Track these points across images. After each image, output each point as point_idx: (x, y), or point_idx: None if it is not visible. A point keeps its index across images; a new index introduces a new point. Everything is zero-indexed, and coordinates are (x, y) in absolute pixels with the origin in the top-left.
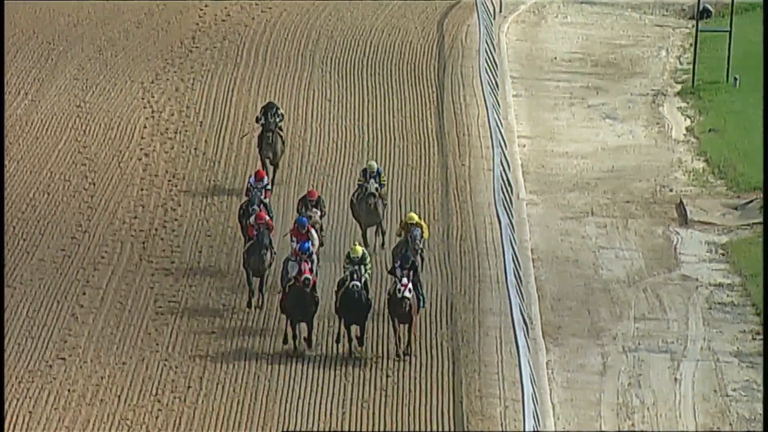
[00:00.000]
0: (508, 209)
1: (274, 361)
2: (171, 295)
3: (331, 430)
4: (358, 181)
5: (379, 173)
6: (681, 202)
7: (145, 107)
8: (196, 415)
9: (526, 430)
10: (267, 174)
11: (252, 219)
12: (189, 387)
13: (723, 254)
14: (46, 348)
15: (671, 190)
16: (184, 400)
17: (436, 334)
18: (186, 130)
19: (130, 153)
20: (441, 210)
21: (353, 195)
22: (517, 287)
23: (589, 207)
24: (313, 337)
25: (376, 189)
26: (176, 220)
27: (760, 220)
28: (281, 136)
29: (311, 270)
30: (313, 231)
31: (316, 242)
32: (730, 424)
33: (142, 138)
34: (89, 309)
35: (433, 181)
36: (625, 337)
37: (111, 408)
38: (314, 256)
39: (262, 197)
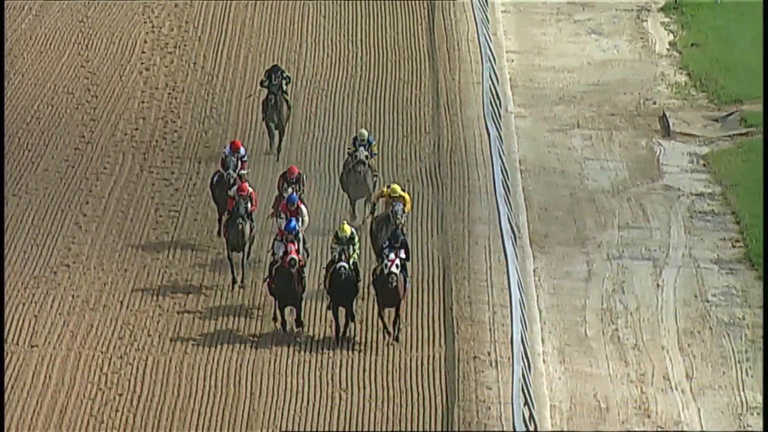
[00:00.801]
0: (496, 122)
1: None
2: (171, 205)
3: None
4: (348, 149)
5: (369, 142)
6: (664, 114)
7: (145, 22)
8: (195, 320)
9: (514, 337)
10: (272, 139)
11: (233, 191)
12: (189, 293)
13: (704, 165)
14: (51, 255)
15: (654, 103)
16: (185, 305)
17: (427, 243)
18: (185, 45)
19: (131, 67)
20: (432, 123)
21: (343, 165)
22: (506, 197)
23: (575, 120)
24: (303, 319)
25: (366, 157)
26: (176, 131)
27: (740, 131)
28: (287, 101)
29: (298, 251)
30: (303, 207)
31: (306, 219)
32: (710, 329)
33: (143, 52)
34: (92, 218)
35: (424, 95)
36: (610, 245)
37: (114, 313)
38: (300, 235)
39: (239, 169)
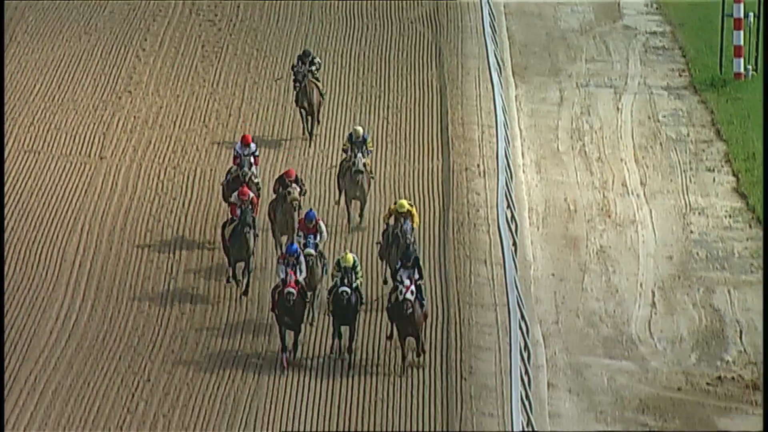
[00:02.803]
0: None
1: None
2: (215, 42)
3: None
4: (343, 146)
5: (365, 138)
6: None
7: None
8: (236, 138)
9: (499, 152)
10: (305, 124)
11: (234, 196)
12: (230, 116)
13: (657, 8)
14: (116, 82)
15: None
16: (227, 125)
17: (426, 74)
18: None
19: None
20: None
21: (339, 165)
22: (492, 36)
23: None
24: (299, 346)
25: (364, 165)
26: None
27: None
28: (317, 86)
29: (297, 282)
30: (321, 224)
31: (324, 236)
32: (660, 144)
33: None
34: (150, 52)
35: None
36: (578, 75)
37: (168, 131)
38: (301, 261)
39: (251, 165)
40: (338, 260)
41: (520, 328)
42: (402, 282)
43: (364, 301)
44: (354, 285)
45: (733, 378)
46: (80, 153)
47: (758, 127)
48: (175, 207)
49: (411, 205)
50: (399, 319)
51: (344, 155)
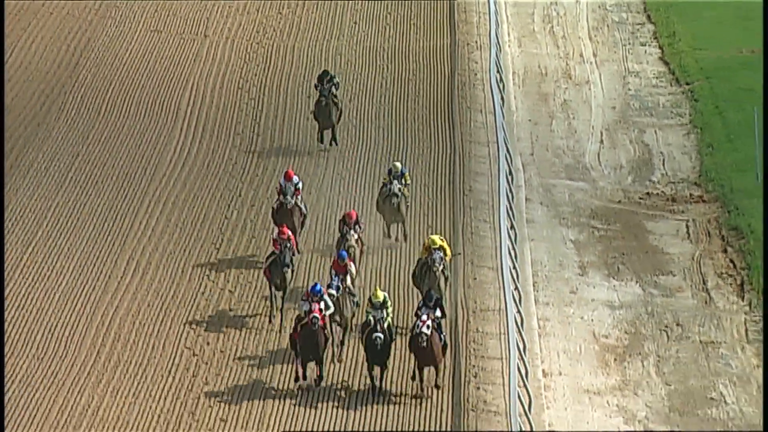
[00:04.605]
0: None
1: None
2: None
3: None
4: (383, 180)
5: (403, 173)
6: None
7: None
8: (306, 18)
9: (491, 31)
10: (322, 136)
11: (275, 233)
12: (297, 6)
13: None
14: None
15: None
16: (295, 12)
17: None
18: None
19: None
20: None
21: (379, 194)
22: None
23: None
24: (323, 377)
25: (399, 190)
26: None
27: None
28: (336, 104)
29: (321, 310)
30: (351, 265)
31: (353, 275)
32: (608, 26)
33: None
34: None
35: None
36: None
37: (254, 17)
38: (326, 299)
39: (295, 196)
40: (370, 298)
41: (506, 159)
42: (420, 317)
43: (394, 339)
44: (386, 324)
45: (657, 194)
46: (190, 32)
47: (678, 11)
48: (258, 71)
49: (442, 240)
50: (416, 351)
51: (384, 187)
